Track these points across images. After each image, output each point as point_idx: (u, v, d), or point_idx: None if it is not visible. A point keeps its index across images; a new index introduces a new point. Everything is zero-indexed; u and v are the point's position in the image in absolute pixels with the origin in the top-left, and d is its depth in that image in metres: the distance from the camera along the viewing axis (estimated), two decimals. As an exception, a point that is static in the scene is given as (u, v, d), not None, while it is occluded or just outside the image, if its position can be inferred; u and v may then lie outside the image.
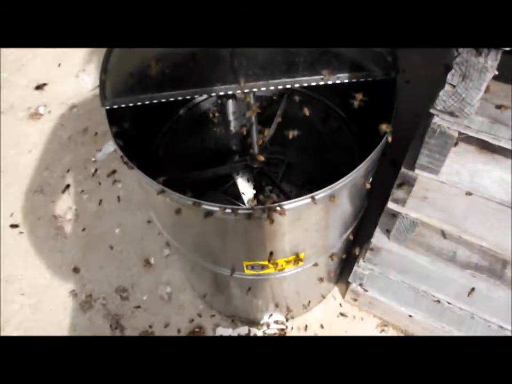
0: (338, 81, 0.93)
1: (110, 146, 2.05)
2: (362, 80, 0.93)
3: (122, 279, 1.67)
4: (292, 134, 1.11)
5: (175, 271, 1.68)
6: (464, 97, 0.64)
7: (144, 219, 1.81)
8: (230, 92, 0.95)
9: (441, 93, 0.66)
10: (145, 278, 1.67)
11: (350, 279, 1.40)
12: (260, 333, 1.47)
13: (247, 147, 1.33)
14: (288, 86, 0.94)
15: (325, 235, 1.03)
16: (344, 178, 0.81)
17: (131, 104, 0.94)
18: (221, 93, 0.95)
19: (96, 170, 1.96)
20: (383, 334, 1.51)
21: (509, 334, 1.21)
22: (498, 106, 0.71)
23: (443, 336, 1.38)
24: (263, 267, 1.04)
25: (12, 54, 2.47)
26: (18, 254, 1.77)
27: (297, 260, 1.03)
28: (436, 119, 0.72)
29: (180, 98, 0.94)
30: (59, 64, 2.39)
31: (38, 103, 2.24)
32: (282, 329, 1.47)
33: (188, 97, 0.94)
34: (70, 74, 2.35)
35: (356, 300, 1.49)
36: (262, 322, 1.47)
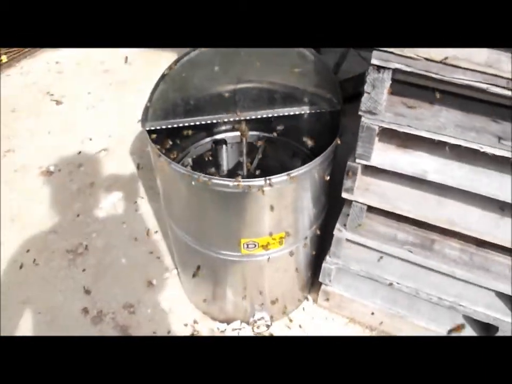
0: (302, 112, 1.47)
1: (115, 196, 2.49)
2: (318, 111, 1.47)
3: (129, 297, 2.03)
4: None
5: (174, 289, 2.05)
6: (376, 99, 1.17)
7: (147, 251, 2.21)
8: (231, 119, 1.46)
9: (362, 99, 1.18)
10: (149, 296, 2.03)
11: (320, 278, 1.82)
12: (249, 328, 1.84)
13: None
14: (270, 115, 1.47)
15: (298, 218, 1.48)
16: (309, 163, 1.30)
17: (164, 127, 1.43)
18: (225, 120, 1.46)
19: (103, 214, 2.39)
20: (350, 330, 1.90)
21: (447, 304, 1.63)
22: (410, 107, 1.24)
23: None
24: (255, 245, 1.48)
25: (23, 125, 2.98)
26: (35, 281, 2.10)
27: (281, 239, 1.48)
28: (363, 119, 1.24)
29: (197, 123, 1.45)
30: (66, 133, 2.90)
31: (49, 163, 2.70)
32: (268, 325, 1.84)
33: (203, 122, 1.44)
34: (75, 141, 2.86)
35: (327, 300, 1.90)
36: (250, 320, 1.85)
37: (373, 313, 1.87)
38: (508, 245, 1.38)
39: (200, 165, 1.94)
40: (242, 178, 1.31)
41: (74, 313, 1.99)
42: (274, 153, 1.93)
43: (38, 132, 2.94)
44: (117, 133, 2.90)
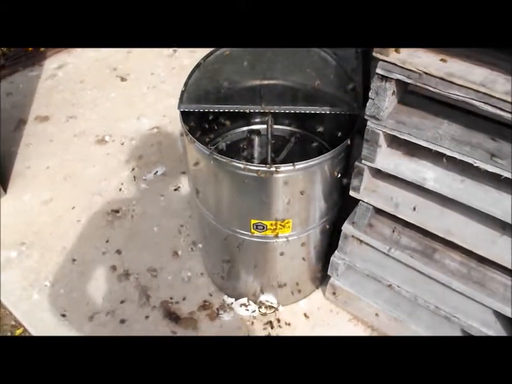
0: (323, 112, 1.63)
1: (159, 170, 2.77)
2: (338, 112, 1.63)
3: (154, 262, 2.29)
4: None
5: (196, 262, 2.28)
6: (379, 106, 1.31)
7: (178, 224, 2.46)
8: (257, 110, 1.66)
9: (368, 104, 1.33)
10: (172, 264, 2.28)
11: (328, 271, 1.98)
12: (256, 307, 2.04)
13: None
14: (292, 111, 1.65)
15: (306, 209, 1.65)
16: (315, 158, 1.47)
17: (196, 110, 1.65)
18: (251, 110, 1.66)
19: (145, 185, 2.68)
20: (352, 327, 2.04)
21: (443, 314, 1.74)
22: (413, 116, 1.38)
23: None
24: (264, 227, 1.67)
25: (88, 95, 3.35)
26: (74, 235, 2.41)
27: (288, 225, 1.66)
28: (368, 123, 1.38)
29: (226, 110, 1.66)
30: (125, 108, 3.23)
31: (105, 133, 3.04)
32: (274, 308, 2.03)
33: (231, 110, 1.65)
34: (132, 116, 3.17)
35: (334, 294, 2.05)
36: (258, 301, 2.05)
37: (377, 314, 2.00)
38: (502, 262, 1.48)
39: (235, 150, 2.16)
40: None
41: (104, 269, 2.28)
42: (303, 149, 2.10)
43: (100, 103, 3.29)
44: (171, 114, 3.18)
